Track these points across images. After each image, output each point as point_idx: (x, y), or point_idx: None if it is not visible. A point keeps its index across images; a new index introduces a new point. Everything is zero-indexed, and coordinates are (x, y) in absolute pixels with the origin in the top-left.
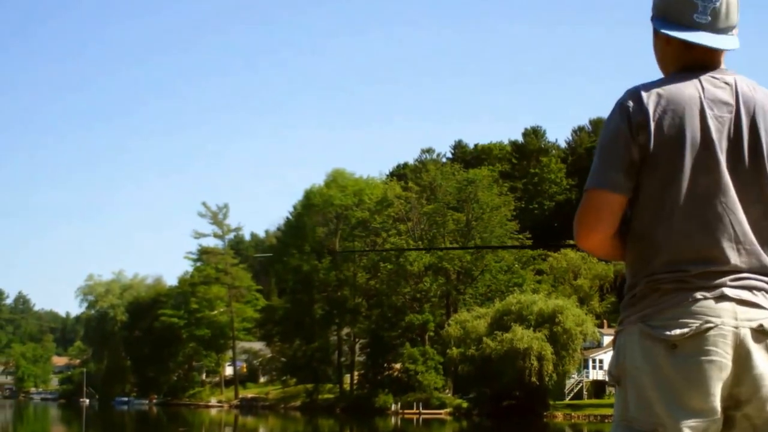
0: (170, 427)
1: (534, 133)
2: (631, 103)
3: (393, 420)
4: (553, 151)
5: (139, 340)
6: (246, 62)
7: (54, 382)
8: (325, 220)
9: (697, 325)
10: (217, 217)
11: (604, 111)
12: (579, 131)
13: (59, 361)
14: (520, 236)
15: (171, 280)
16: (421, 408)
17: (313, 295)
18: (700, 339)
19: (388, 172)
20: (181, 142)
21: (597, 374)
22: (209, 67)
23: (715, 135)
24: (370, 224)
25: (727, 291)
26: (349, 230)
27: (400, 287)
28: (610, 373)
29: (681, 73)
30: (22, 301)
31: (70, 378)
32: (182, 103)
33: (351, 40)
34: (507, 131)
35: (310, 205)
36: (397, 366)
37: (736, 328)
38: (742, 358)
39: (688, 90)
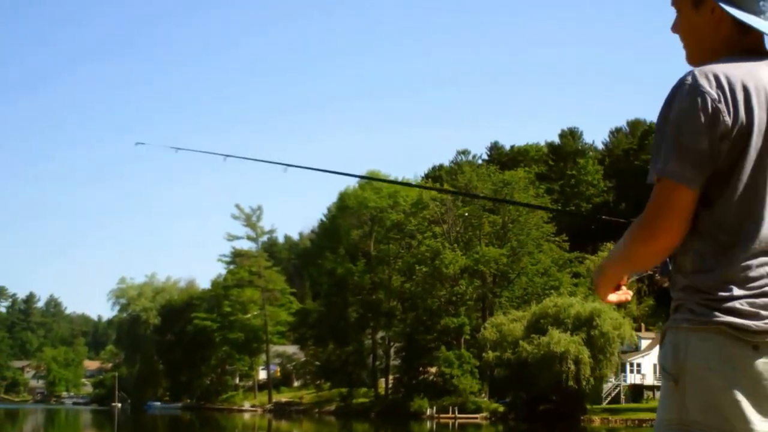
0: (204, 431)
1: (571, 135)
2: (710, 88)
3: (428, 424)
4: (590, 153)
5: (171, 344)
6: (283, 64)
7: (86, 386)
8: (360, 222)
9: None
10: (250, 219)
11: (641, 112)
12: (616, 133)
13: (91, 365)
14: (557, 239)
15: (204, 284)
16: (456, 412)
17: (347, 298)
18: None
19: (423, 174)
20: (215, 144)
21: (635, 378)
22: (249, 69)
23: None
24: (405, 226)
25: None
26: (384, 232)
27: (435, 290)
28: (664, 369)
29: (744, 56)
30: (53, 304)
31: (101, 382)
32: (216, 105)
33: (386, 44)
34: (543, 132)
35: (345, 207)
36: (433, 370)
37: None
38: None
39: (761, 72)
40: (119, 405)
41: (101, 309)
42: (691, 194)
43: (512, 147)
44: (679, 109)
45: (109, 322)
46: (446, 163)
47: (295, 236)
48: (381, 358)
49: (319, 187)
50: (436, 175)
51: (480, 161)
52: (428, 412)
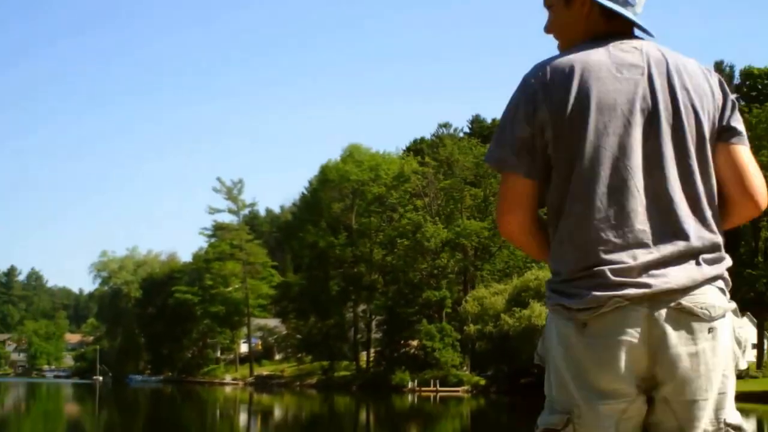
0: (185, 405)
1: None
2: (534, 78)
3: (410, 397)
4: None
5: (153, 317)
6: (265, 38)
7: (67, 359)
8: (342, 195)
9: (608, 303)
10: (231, 192)
11: None
12: None
13: (72, 338)
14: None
15: (185, 257)
16: (438, 385)
17: (328, 271)
18: (610, 318)
19: (404, 147)
20: (196, 117)
21: None
22: (231, 41)
23: (625, 97)
24: (387, 200)
25: (640, 266)
26: (365, 206)
27: (417, 263)
28: (537, 353)
29: (589, 42)
30: (34, 277)
31: (83, 355)
32: (199, 79)
33: (367, 18)
34: None
35: (326, 181)
36: (414, 343)
37: (650, 306)
38: (656, 337)
39: (595, 56)
40: (100, 378)
41: (82, 282)
42: (521, 181)
43: (494, 120)
44: (509, 100)
45: (91, 295)
46: (427, 136)
47: (277, 209)
48: (362, 331)
49: (301, 160)
50: (417, 148)
51: (461, 134)
52: (410, 385)
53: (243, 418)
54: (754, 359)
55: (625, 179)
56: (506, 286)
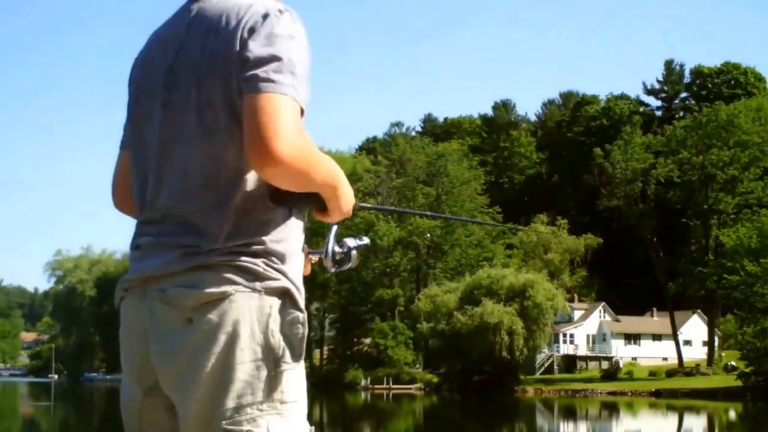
0: None
1: (504, 107)
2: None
3: (363, 395)
4: (523, 125)
5: (108, 316)
6: None
7: (23, 357)
8: None
9: (122, 287)
10: None
11: (574, 84)
12: (549, 105)
13: (28, 336)
14: (490, 210)
15: None
16: (391, 383)
17: None
18: (124, 304)
19: (357, 146)
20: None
21: (568, 349)
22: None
23: (153, 75)
24: None
25: (143, 246)
26: None
27: (370, 261)
28: None
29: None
30: None
31: (38, 354)
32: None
33: (320, 11)
34: (477, 105)
35: None
36: (367, 341)
37: (143, 292)
38: (147, 328)
39: (161, 33)
40: (56, 376)
41: (38, 281)
42: (123, 154)
43: (446, 119)
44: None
45: (46, 293)
46: (380, 136)
47: None
48: (316, 329)
49: None
50: (369, 147)
51: (414, 133)
52: (363, 383)
53: None
54: (704, 356)
55: (146, 155)
56: (458, 284)
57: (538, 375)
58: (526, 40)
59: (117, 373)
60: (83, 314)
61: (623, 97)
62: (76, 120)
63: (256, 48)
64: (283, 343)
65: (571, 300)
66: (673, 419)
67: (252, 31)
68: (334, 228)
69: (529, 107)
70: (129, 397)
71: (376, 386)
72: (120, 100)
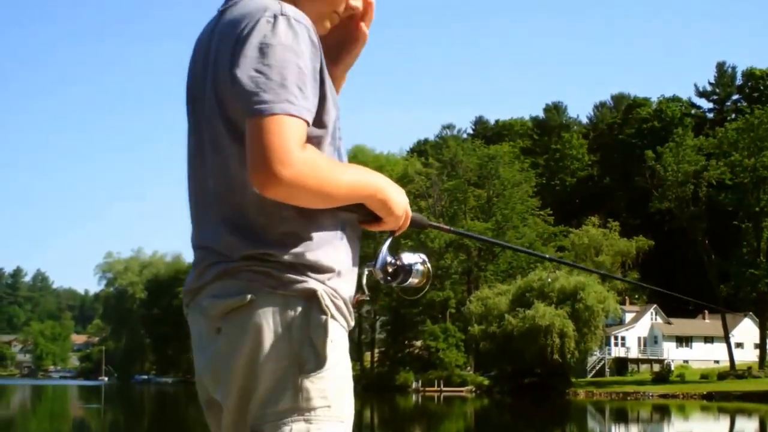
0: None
1: (555, 109)
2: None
3: (414, 398)
4: (575, 127)
5: (158, 318)
6: None
7: (73, 360)
8: None
9: (184, 302)
10: None
11: (626, 86)
12: (601, 107)
13: (78, 339)
14: (542, 212)
15: (191, 257)
16: (442, 386)
17: None
18: (189, 317)
19: (408, 149)
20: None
21: (619, 351)
22: None
23: (191, 89)
24: None
25: (196, 264)
26: None
27: None
28: None
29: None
30: (40, 278)
31: (88, 356)
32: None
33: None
34: (528, 107)
35: None
36: (418, 343)
37: (192, 305)
38: (195, 341)
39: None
40: (106, 379)
41: (88, 283)
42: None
43: (497, 121)
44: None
45: (96, 296)
46: (431, 138)
47: None
48: (366, 331)
49: None
50: (421, 149)
51: (465, 136)
52: (414, 385)
53: None
54: (756, 359)
55: (191, 185)
56: (510, 287)
57: (589, 378)
58: (578, 43)
59: (167, 376)
60: (133, 316)
61: (675, 99)
62: (127, 120)
63: (243, 63)
64: (306, 349)
65: (623, 302)
66: (725, 422)
67: (242, 42)
68: (389, 240)
69: (580, 109)
70: (205, 407)
71: (427, 389)
72: (170, 99)
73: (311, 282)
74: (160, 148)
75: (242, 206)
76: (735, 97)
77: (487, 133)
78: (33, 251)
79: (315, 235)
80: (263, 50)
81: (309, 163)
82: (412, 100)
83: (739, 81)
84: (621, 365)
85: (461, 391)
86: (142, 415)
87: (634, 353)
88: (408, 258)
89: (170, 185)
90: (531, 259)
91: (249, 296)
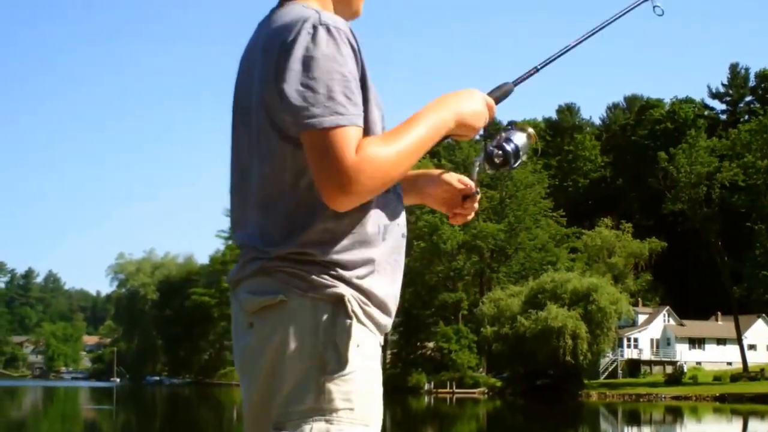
0: (202, 406)
1: (568, 110)
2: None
3: (426, 399)
4: (588, 128)
5: (170, 319)
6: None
7: (85, 361)
8: None
9: (231, 289)
10: None
11: (639, 88)
12: (614, 108)
13: (90, 340)
14: (554, 214)
15: (202, 259)
16: (454, 387)
17: None
18: (232, 304)
19: None
20: (212, 120)
21: (632, 353)
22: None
23: (239, 98)
24: None
25: (240, 256)
26: None
27: (433, 265)
28: None
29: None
30: (52, 279)
31: (100, 357)
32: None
33: (385, 19)
34: (541, 108)
35: None
36: (431, 345)
37: (234, 295)
38: (233, 329)
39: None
40: (118, 380)
41: (100, 284)
42: None
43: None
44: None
45: (108, 297)
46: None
47: None
48: None
49: None
50: (433, 150)
51: (477, 137)
52: (426, 386)
53: None
54: None
55: (235, 179)
56: (522, 288)
57: (602, 379)
58: (591, 44)
59: (179, 377)
60: (145, 318)
61: (688, 100)
62: (138, 121)
63: (289, 78)
64: (330, 352)
65: (635, 304)
66: (737, 424)
67: (285, 56)
68: (483, 143)
69: (593, 111)
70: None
71: (440, 390)
72: (182, 99)
73: (341, 287)
74: (172, 149)
75: (284, 208)
76: (748, 98)
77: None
78: (45, 252)
79: (352, 234)
80: (307, 63)
81: (367, 161)
82: (423, 99)
83: (752, 82)
84: (634, 367)
85: (474, 393)
86: (154, 417)
87: (646, 355)
88: (513, 140)
89: (182, 186)
90: (544, 260)
91: (280, 296)
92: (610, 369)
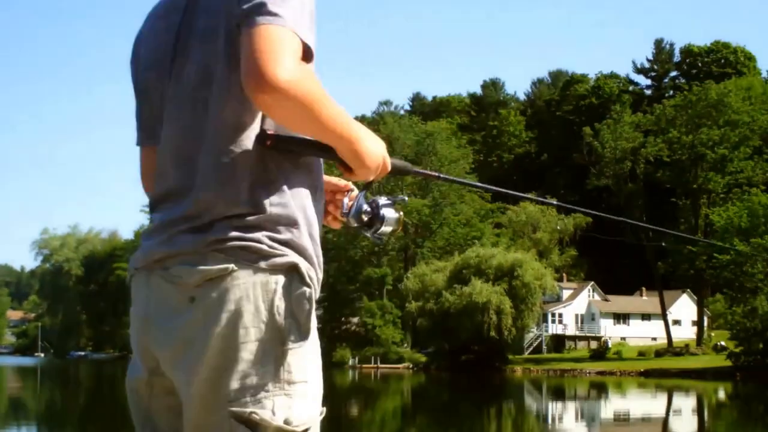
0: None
1: (493, 86)
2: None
3: (351, 374)
4: (512, 104)
5: (94, 295)
6: None
7: (9, 336)
8: None
9: (132, 266)
10: None
11: (564, 63)
12: (538, 83)
13: (14, 315)
14: (479, 189)
15: (127, 234)
16: (379, 362)
17: None
18: (132, 283)
19: None
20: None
21: (556, 328)
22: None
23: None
24: None
25: (154, 225)
26: None
27: (357, 240)
28: None
29: None
30: None
31: (25, 332)
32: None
33: None
34: (465, 83)
35: None
36: (355, 320)
37: (147, 269)
38: (149, 308)
39: None
40: (42, 355)
41: (24, 259)
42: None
43: (434, 98)
44: None
45: (32, 272)
46: (368, 114)
47: None
48: None
49: None
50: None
51: (402, 112)
52: (351, 362)
53: None
54: (694, 336)
55: (161, 137)
56: (447, 264)
57: (526, 354)
58: (515, 18)
59: (103, 352)
60: (70, 293)
61: (613, 76)
62: (65, 99)
63: None
64: (289, 321)
65: (560, 279)
66: (662, 399)
67: None
68: (362, 191)
69: (518, 86)
70: (135, 377)
71: (364, 365)
72: (105, 76)
73: (291, 253)
74: (99, 119)
75: (225, 157)
76: (673, 73)
77: (424, 109)
78: None
79: (292, 180)
80: None
81: (306, 74)
82: (348, 76)
83: (677, 58)
84: (558, 342)
85: (398, 368)
86: (78, 391)
87: (571, 330)
88: (383, 206)
89: (107, 160)
90: (468, 235)
91: (231, 266)
92: (534, 344)
